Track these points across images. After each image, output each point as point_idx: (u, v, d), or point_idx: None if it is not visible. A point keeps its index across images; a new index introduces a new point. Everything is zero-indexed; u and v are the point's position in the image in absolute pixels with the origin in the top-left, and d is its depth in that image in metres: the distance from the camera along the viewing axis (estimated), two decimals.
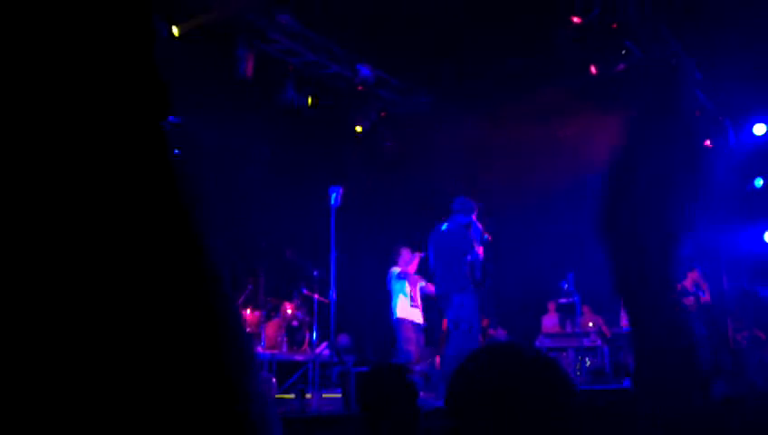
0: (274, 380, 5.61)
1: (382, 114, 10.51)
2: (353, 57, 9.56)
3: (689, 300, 9.37)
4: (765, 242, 11.01)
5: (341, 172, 9.91)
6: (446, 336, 9.72)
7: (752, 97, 10.72)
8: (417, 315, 8.19)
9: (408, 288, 8.18)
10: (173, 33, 7.59)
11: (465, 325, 6.63)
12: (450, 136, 11.69)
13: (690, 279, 9.49)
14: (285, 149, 9.90)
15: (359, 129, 10.28)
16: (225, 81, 8.34)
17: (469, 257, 6.77)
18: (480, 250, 6.88)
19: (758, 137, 11.16)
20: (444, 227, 7.14)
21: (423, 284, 8.36)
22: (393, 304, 8.14)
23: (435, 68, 9.77)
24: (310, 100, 9.43)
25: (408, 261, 8.24)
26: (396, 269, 8.22)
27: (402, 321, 8.00)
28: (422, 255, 8.13)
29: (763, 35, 8.83)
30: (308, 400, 4.57)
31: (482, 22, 8.66)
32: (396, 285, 8.19)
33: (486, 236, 7.05)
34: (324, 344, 8.82)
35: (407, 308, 8.07)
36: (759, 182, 11.32)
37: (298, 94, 9.17)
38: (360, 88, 9.79)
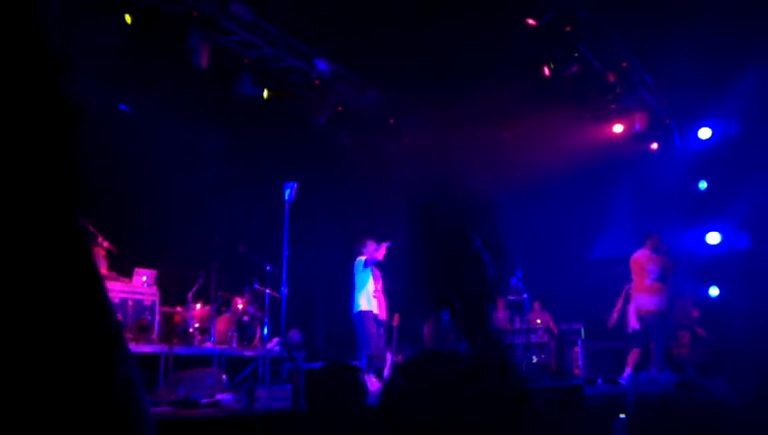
0: (225, 376, 5.56)
1: (338, 108, 10.48)
2: (310, 51, 9.50)
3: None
4: (707, 243, 11.35)
5: (297, 166, 9.87)
6: (395, 331, 9.84)
7: (697, 101, 11.03)
8: (376, 309, 8.25)
9: (371, 280, 8.21)
10: (126, 21, 7.42)
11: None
12: (404, 133, 11.77)
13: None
14: (241, 142, 9.79)
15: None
16: (180, 72, 8.19)
17: None
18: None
19: (703, 140, 11.48)
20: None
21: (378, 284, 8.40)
22: (355, 296, 8.16)
23: (390, 64, 9.79)
24: (266, 92, 9.34)
25: (375, 250, 8.31)
26: (362, 258, 8.24)
27: (364, 313, 8.06)
28: (389, 244, 8.32)
29: (709, 42, 9.09)
30: (257, 396, 4.54)
31: (438, 20, 8.71)
32: (361, 275, 8.19)
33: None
34: (275, 340, 8.79)
35: (369, 301, 8.12)
36: (703, 185, 11.66)
37: (254, 87, 9.07)
38: (316, 82, 9.73)
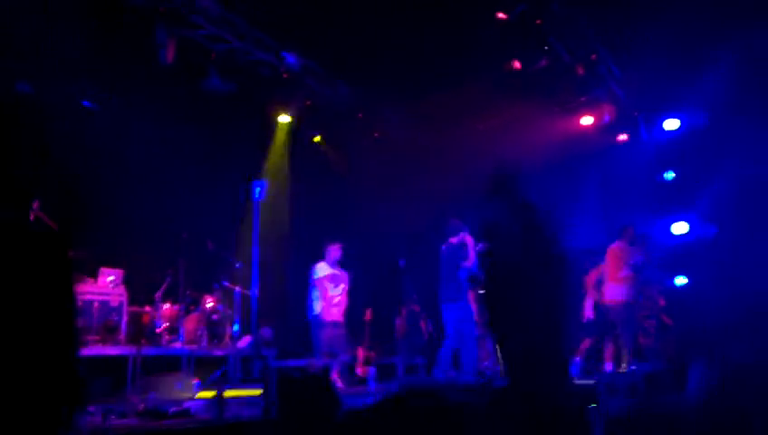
0: (195, 381, 5.45)
1: (307, 103, 10.36)
2: (279, 45, 9.37)
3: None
4: (673, 233, 11.50)
5: (265, 161, 9.77)
6: (367, 326, 9.82)
7: (665, 93, 11.13)
8: (336, 313, 8.31)
9: (328, 285, 8.26)
10: (89, 16, 7.21)
11: (468, 330, 7.96)
12: (374, 127, 11.70)
13: (593, 276, 9.65)
14: (208, 137, 9.64)
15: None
16: (145, 67, 8.01)
17: (462, 272, 7.95)
18: (471, 262, 7.95)
19: (670, 132, 11.60)
20: (443, 248, 8.26)
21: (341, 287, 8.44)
22: (311, 299, 8.27)
23: (360, 58, 9.70)
24: (234, 87, 9.19)
25: (334, 257, 8.40)
26: (320, 267, 8.34)
27: (318, 318, 8.18)
28: (341, 245, 8.42)
29: (676, 34, 9.16)
30: (227, 400, 4.46)
31: (409, 13, 8.64)
32: (318, 282, 8.30)
33: (479, 245, 7.73)
34: (246, 338, 8.70)
35: (325, 306, 8.20)
36: (670, 175, 11.79)
37: (222, 81, 8.91)
38: (285, 76, 9.60)
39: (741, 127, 10.35)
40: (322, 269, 8.36)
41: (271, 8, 8.40)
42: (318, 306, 8.22)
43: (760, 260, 9.88)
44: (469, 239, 8.14)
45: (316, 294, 8.29)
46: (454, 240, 8.19)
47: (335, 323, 8.29)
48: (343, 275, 8.55)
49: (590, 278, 9.70)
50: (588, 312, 9.53)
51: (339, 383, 7.85)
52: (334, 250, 8.46)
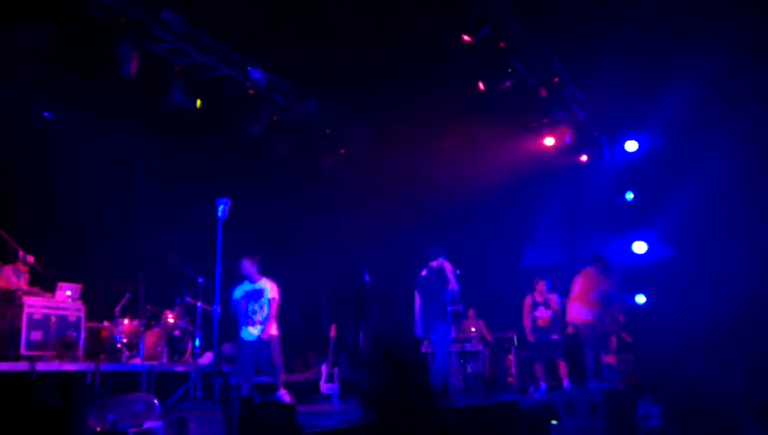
0: (156, 401, 5.34)
1: (274, 118, 10.33)
2: (245, 59, 9.35)
3: (542, 312, 9.76)
4: (634, 253, 11.71)
5: (230, 177, 9.70)
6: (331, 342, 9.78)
7: (625, 115, 11.40)
8: (253, 331, 7.75)
9: (245, 305, 7.80)
10: (50, 28, 7.13)
11: (445, 348, 8.26)
12: (341, 143, 11.73)
13: (537, 291, 9.84)
14: (172, 152, 9.56)
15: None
16: (107, 80, 7.92)
17: (447, 293, 8.32)
18: (453, 285, 8.38)
19: (630, 153, 11.85)
20: (423, 273, 8.63)
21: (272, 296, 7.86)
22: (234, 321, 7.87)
23: (327, 74, 9.74)
24: (198, 102, 9.12)
25: (253, 273, 7.85)
26: (241, 288, 7.88)
27: (237, 340, 7.90)
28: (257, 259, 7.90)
29: (636, 58, 9.41)
30: (188, 424, 4.40)
31: (376, 32, 8.72)
32: (237, 304, 7.84)
33: (457, 271, 8.53)
34: (207, 354, 8.59)
35: (242, 325, 7.80)
36: (630, 195, 12.03)
37: (185, 96, 8.84)
38: (251, 91, 9.57)
39: (699, 148, 10.64)
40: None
41: (237, 23, 8.39)
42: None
43: (718, 279, 10.14)
44: (447, 265, 8.47)
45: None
46: (434, 264, 8.52)
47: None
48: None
49: (526, 303, 9.89)
50: (529, 335, 9.85)
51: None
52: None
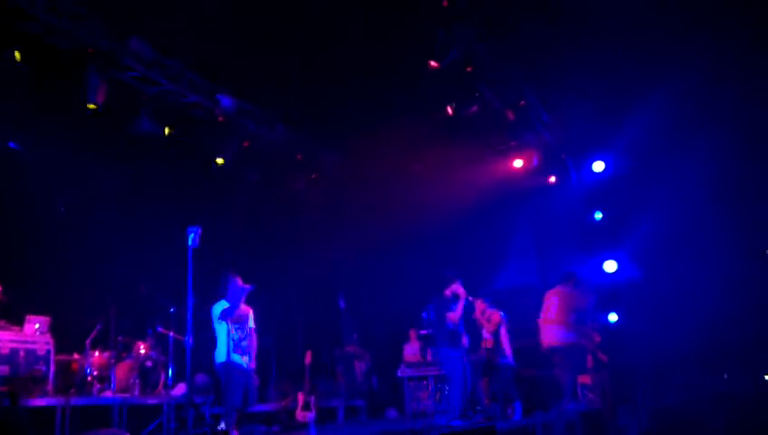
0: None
1: (245, 144, 10.33)
2: (213, 86, 9.37)
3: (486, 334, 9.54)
4: (605, 271, 11.85)
5: (201, 205, 9.65)
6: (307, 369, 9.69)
7: (591, 137, 11.61)
8: (243, 359, 7.13)
9: (232, 328, 7.07)
10: (16, 58, 7.09)
11: (450, 375, 8.33)
12: (312, 168, 11.77)
13: (478, 310, 9.50)
14: (141, 181, 9.47)
15: (219, 161, 9.98)
16: (75, 109, 7.87)
17: (449, 323, 8.26)
18: (456, 315, 8.31)
19: (597, 173, 12.05)
20: (433, 300, 8.63)
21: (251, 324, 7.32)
22: (219, 345, 7.07)
23: (297, 99, 9.80)
24: (167, 130, 9.10)
25: (238, 293, 7.12)
26: (221, 305, 7.12)
27: (226, 365, 6.96)
28: (250, 288, 7.15)
29: (600, 80, 9.62)
30: None
31: (345, 57, 8.82)
32: (219, 325, 7.11)
33: (470, 299, 8.54)
34: (181, 386, 8.46)
35: (231, 351, 7.01)
36: (598, 215, 12.20)
37: (154, 124, 8.82)
38: (220, 119, 9.58)
39: (665, 167, 10.85)
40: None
41: (206, 51, 8.43)
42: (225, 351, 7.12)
43: (687, 296, 10.29)
44: (461, 290, 8.38)
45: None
46: (447, 292, 8.44)
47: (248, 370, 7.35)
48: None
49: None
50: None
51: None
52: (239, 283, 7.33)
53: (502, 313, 9.58)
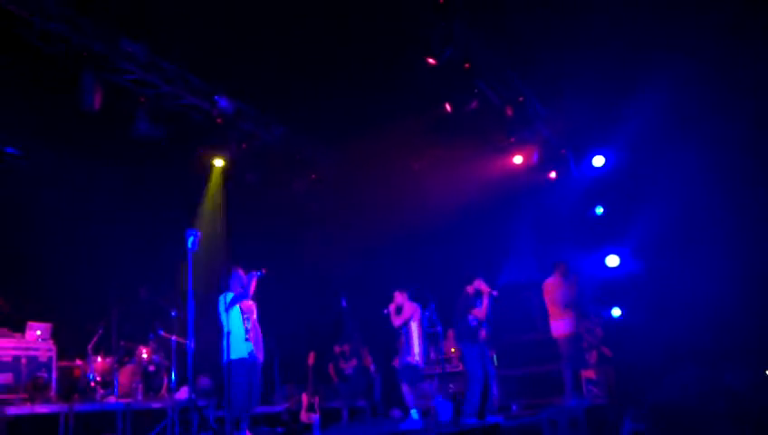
0: None
1: (243, 146, 10.30)
2: (211, 88, 9.33)
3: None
4: (607, 266, 11.82)
5: (200, 208, 9.64)
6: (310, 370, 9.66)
7: (590, 131, 11.58)
8: (249, 351, 6.98)
9: (242, 317, 7.02)
10: (10, 62, 7.07)
11: (470, 371, 8.06)
12: (312, 168, 11.74)
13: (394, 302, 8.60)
14: (139, 185, 9.45)
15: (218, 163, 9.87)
16: (72, 114, 7.84)
17: (471, 320, 8.16)
18: (477, 312, 8.19)
19: (597, 168, 12.02)
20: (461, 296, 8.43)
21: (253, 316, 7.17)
22: (226, 339, 6.78)
23: (295, 99, 9.77)
24: (165, 132, 9.06)
25: (245, 281, 7.10)
26: (230, 294, 7.01)
27: (235, 362, 6.79)
28: (260, 273, 7.14)
29: (598, 75, 9.57)
30: None
31: (342, 56, 8.78)
32: (231, 314, 6.92)
33: (494, 293, 8.26)
34: (184, 389, 8.42)
35: (240, 344, 6.90)
36: (599, 210, 12.17)
37: (151, 127, 8.77)
38: (218, 120, 9.54)
39: (666, 160, 10.81)
40: None
41: (202, 52, 8.39)
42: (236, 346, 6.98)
43: (691, 289, 10.25)
44: (484, 286, 8.23)
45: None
46: (470, 289, 8.33)
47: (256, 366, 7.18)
48: None
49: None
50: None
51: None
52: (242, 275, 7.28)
53: (419, 307, 8.60)
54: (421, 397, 8.95)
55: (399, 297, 8.47)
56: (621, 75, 9.82)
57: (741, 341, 9.53)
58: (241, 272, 7.20)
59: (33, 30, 7.24)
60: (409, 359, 8.23)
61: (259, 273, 7.14)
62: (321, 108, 9.86)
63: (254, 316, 7.23)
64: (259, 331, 7.22)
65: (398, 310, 8.41)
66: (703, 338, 9.79)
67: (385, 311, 8.53)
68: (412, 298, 8.56)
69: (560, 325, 8.77)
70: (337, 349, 11.13)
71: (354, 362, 11.15)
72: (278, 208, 11.37)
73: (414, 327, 8.34)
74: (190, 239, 5.97)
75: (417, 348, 8.27)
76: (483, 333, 8.31)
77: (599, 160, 11.96)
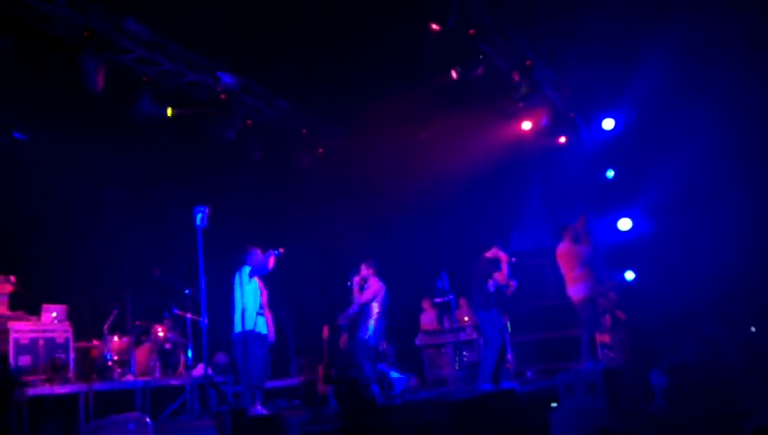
0: (149, 420, 5.22)
1: (248, 122, 10.23)
2: (214, 65, 9.25)
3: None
4: (619, 229, 11.75)
5: (207, 184, 9.61)
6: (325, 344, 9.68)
7: (599, 94, 11.42)
8: (263, 326, 7.31)
9: (259, 292, 7.29)
10: (10, 44, 7.01)
11: (488, 337, 8.05)
12: (318, 142, 11.67)
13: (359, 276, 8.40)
14: (146, 164, 9.43)
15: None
16: (76, 95, 7.80)
17: (491, 285, 8.11)
18: (499, 277, 8.16)
19: (607, 131, 11.88)
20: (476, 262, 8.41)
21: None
22: (237, 313, 7.10)
23: (299, 73, 9.67)
24: (169, 111, 9.00)
25: (263, 259, 7.30)
26: (248, 267, 7.29)
27: (249, 334, 7.07)
28: (277, 253, 7.37)
29: (606, 36, 9.41)
30: None
31: (343, 27, 8.67)
32: (247, 288, 7.19)
33: (512, 259, 8.34)
34: (201, 366, 8.49)
35: (255, 318, 7.16)
36: (610, 173, 12.07)
37: (155, 106, 8.72)
38: (222, 96, 9.47)
39: (676, 120, 10.67)
40: None
41: (204, 29, 8.30)
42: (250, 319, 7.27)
43: (704, 252, 10.18)
44: (502, 254, 8.28)
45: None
46: (489, 254, 8.35)
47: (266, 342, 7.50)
48: None
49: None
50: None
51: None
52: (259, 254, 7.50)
53: (384, 285, 8.36)
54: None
55: (365, 270, 8.31)
56: (630, 35, 9.65)
57: (757, 300, 9.48)
58: (258, 251, 7.36)
59: (32, 10, 7.18)
60: (361, 335, 8.13)
61: (277, 252, 7.35)
62: (325, 81, 9.77)
63: (265, 299, 7.40)
64: (269, 313, 7.39)
65: (363, 282, 8.28)
66: (718, 298, 9.74)
67: (348, 283, 8.38)
68: (378, 273, 8.39)
69: (578, 289, 8.72)
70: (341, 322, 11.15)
71: None
72: (285, 183, 11.34)
73: (374, 306, 8.19)
74: (198, 216, 5.95)
75: (372, 325, 8.13)
76: (508, 292, 8.30)
77: (609, 123, 11.82)
